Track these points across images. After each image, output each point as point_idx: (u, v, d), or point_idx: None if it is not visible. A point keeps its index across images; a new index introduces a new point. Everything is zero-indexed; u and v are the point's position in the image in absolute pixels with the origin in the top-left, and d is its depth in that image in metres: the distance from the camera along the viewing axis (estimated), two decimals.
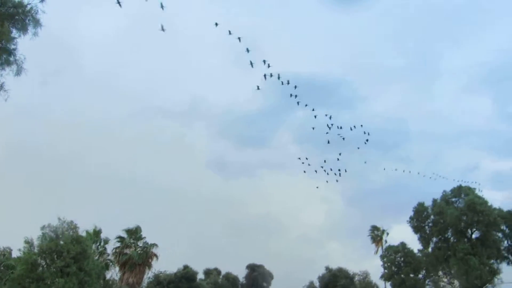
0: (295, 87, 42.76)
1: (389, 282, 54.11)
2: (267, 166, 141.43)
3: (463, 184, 52.07)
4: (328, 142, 49.90)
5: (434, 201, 50.41)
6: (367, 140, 51.67)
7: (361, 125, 51.02)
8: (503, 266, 50.80)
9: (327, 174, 52.37)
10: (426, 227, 51.29)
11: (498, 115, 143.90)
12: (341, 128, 50.13)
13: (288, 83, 40.86)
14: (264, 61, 37.68)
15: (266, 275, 61.67)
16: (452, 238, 50.09)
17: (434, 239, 50.90)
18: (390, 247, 54.08)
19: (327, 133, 49.50)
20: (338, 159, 52.76)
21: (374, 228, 55.08)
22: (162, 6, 28.41)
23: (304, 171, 53.88)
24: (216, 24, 32.97)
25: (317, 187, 56.82)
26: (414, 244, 53.72)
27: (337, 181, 52.82)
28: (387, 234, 55.02)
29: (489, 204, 48.32)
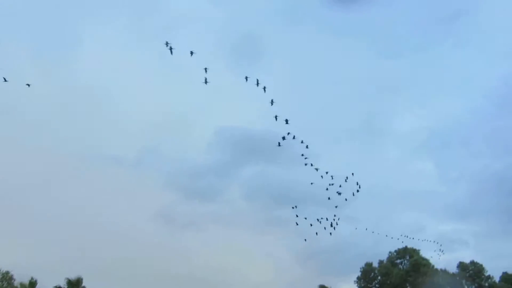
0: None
1: None
2: (215, 221, 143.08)
3: (420, 242, 52.58)
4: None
5: (381, 262, 50.93)
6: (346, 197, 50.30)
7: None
8: None
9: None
10: (373, 287, 51.30)
11: (439, 177, 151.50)
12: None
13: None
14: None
15: None
16: None
17: None
18: None
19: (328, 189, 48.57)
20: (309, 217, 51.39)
21: (322, 287, 54.37)
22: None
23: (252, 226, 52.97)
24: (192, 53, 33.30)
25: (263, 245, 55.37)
26: None
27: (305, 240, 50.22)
28: None
29: (432, 265, 49.24)
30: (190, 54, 32.61)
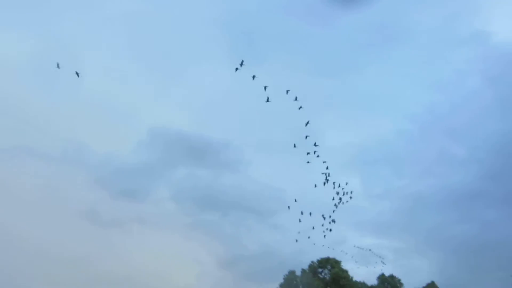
0: None
1: None
2: (141, 221, 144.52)
3: (342, 253, 53.85)
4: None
5: (303, 271, 51.71)
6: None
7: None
8: None
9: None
10: None
11: (365, 195, 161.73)
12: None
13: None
14: None
15: None
16: None
17: None
18: None
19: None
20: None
21: None
22: None
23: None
24: None
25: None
26: None
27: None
28: None
29: (351, 277, 50.68)
30: None
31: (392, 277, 54.28)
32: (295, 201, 50.27)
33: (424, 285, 56.84)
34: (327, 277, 50.87)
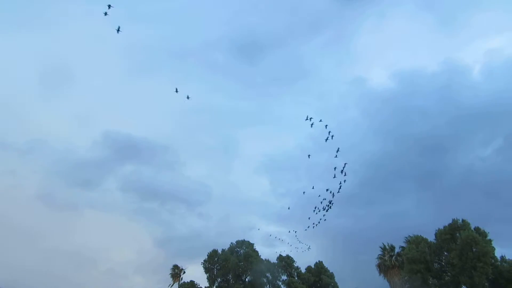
0: None
1: None
2: (92, 206, 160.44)
3: (254, 236, 69.65)
4: None
5: (223, 250, 66.44)
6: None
7: None
8: None
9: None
10: (215, 269, 66.59)
11: (272, 192, 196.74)
12: None
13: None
14: None
15: None
16: (231, 279, 66.29)
17: (219, 279, 66.35)
18: (184, 284, 67.22)
19: None
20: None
21: (175, 267, 67.60)
22: None
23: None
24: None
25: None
26: (203, 281, 68.14)
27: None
28: (184, 272, 68.01)
29: (260, 256, 66.68)
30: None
31: (288, 257, 71.25)
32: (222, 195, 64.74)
33: (313, 264, 75.19)
34: (241, 255, 66.15)
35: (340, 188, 54.41)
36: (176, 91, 43.66)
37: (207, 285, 66.55)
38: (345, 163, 52.48)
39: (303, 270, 72.09)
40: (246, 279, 66.61)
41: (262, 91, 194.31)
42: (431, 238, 52.60)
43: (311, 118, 51.27)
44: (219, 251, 67.04)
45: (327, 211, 56.53)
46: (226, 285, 65.80)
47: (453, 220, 51.21)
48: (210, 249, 66.99)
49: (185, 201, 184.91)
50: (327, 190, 55.71)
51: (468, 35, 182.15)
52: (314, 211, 56.81)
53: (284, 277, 71.34)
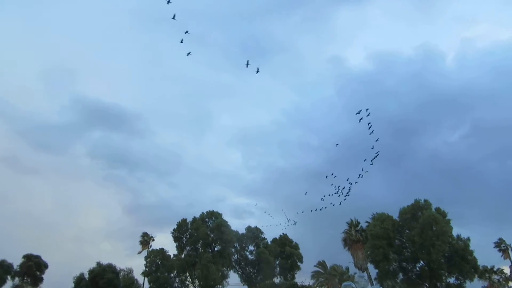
0: None
1: (147, 278, 67.16)
2: (58, 171, 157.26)
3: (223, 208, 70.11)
4: None
5: (194, 219, 66.84)
6: None
7: None
8: (230, 273, 70.59)
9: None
10: (184, 238, 67.13)
11: (243, 166, 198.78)
12: None
13: None
14: None
15: (41, 265, 66.86)
16: (200, 249, 67.11)
17: (188, 248, 67.04)
18: (152, 251, 67.64)
19: None
20: None
21: (144, 235, 67.68)
22: None
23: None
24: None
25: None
26: (172, 250, 68.77)
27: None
28: (153, 240, 68.35)
29: (229, 227, 67.63)
30: None
31: (256, 228, 72.83)
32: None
33: (280, 235, 77.26)
34: (212, 225, 66.86)
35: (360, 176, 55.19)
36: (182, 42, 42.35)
37: (176, 253, 67.22)
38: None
39: (269, 242, 73.97)
40: (215, 249, 67.64)
41: (238, 63, 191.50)
42: (395, 216, 54.88)
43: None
44: (189, 221, 67.36)
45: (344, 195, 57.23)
46: (195, 253, 66.65)
47: (416, 200, 53.52)
48: (179, 219, 67.38)
49: (155, 169, 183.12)
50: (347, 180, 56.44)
51: (445, 22, 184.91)
52: (336, 192, 57.22)
53: (251, 247, 73.12)
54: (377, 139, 52.18)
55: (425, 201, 53.21)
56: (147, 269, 66.74)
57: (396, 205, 56.24)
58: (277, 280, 71.10)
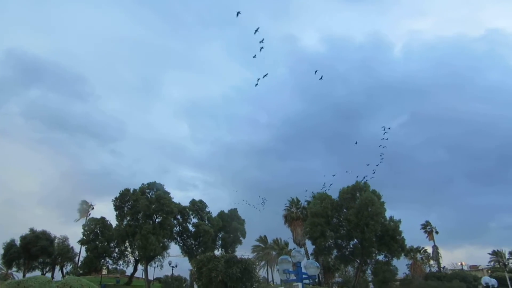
0: None
1: (85, 247, 65.18)
2: None
3: (166, 179, 68.94)
4: None
5: (135, 190, 65.21)
6: None
7: None
8: (172, 245, 70.36)
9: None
10: (125, 208, 65.45)
11: (190, 138, 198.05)
12: None
13: None
14: None
15: None
16: (141, 219, 65.88)
17: (128, 218, 65.52)
18: (93, 219, 65.53)
19: None
20: None
21: (83, 202, 65.32)
22: None
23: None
24: None
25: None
26: (112, 219, 67.08)
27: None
28: (93, 208, 66.19)
29: (172, 198, 66.82)
30: None
31: (201, 201, 72.69)
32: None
33: (225, 210, 77.84)
34: (153, 197, 65.64)
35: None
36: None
37: (116, 223, 65.61)
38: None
39: (214, 215, 74.31)
40: (156, 220, 66.74)
41: (192, 33, 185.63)
42: (334, 196, 57.19)
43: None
44: (131, 191, 65.62)
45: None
46: (135, 224, 65.37)
47: (357, 181, 55.98)
48: (121, 188, 65.36)
49: (97, 135, 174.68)
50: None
51: (396, 13, 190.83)
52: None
53: (195, 220, 73.01)
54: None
55: (365, 183, 55.87)
56: (85, 238, 64.64)
57: (337, 185, 58.64)
58: (217, 252, 72.04)
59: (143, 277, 66.43)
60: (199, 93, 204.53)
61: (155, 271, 69.02)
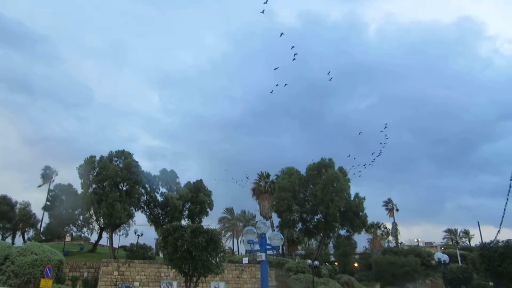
0: None
1: (48, 213, 63.83)
2: None
3: (134, 148, 67.73)
4: None
5: (102, 157, 63.79)
6: None
7: None
8: (138, 214, 69.90)
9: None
10: (91, 176, 64.14)
11: (160, 108, 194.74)
12: None
13: None
14: None
15: None
16: (107, 187, 64.84)
17: (94, 185, 64.35)
18: (59, 185, 63.92)
19: None
20: None
21: (47, 168, 63.42)
22: None
23: None
24: None
25: None
26: (77, 187, 65.70)
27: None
28: (57, 174, 64.47)
29: (140, 167, 65.96)
30: None
31: (172, 171, 72.13)
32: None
33: (194, 181, 77.62)
34: (121, 165, 64.42)
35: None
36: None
37: (82, 190, 64.30)
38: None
39: (182, 185, 73.98)
40: (123, 189, 65.86)
41: (165, 3, 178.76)
42: (303, 171, 58.29)
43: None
44: (97, 158, 64.07)
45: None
46: (101, 191, 64.28)
47: (322, 158, 57.15)
48: (86, 156, 63.52)
49: (62, 101, 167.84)
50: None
51: None
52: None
53: (164, 190, 72.58)
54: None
55: (329, 159, 57.14)
56: (48, 203, 63.21)
57: (305, 161, 59.73)
58: (184, 222, 72.39)
59: (108, 244, 66.10)
60: (171, 62, 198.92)
61: (120, 239, 68.76)
